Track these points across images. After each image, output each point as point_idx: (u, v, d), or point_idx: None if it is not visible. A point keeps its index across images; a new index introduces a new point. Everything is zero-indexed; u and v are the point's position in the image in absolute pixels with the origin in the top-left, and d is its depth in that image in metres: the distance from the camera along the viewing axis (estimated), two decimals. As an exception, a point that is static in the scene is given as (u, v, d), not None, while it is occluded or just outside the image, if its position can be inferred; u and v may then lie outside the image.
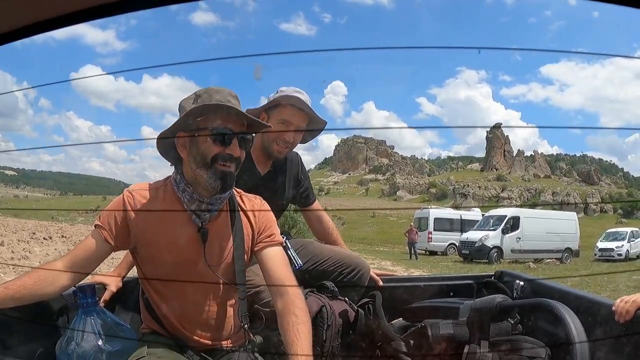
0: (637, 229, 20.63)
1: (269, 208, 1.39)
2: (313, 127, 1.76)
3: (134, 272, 1.50)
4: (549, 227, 19.07)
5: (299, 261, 1.65)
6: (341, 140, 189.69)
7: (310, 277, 1.70)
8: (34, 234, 19.09)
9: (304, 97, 1.68)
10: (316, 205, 1.99)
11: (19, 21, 0.56)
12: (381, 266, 13.64)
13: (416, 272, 12.16)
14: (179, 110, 1.25)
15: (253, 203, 1.37)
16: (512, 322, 1.49)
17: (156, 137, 1.28)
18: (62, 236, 18.86)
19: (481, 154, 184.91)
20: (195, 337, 1.29)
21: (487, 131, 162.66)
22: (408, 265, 15.33)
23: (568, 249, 19.35)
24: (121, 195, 1.28)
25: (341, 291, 1.69)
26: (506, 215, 19.75)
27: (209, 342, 1.31)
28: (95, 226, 1.24)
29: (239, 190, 1.37)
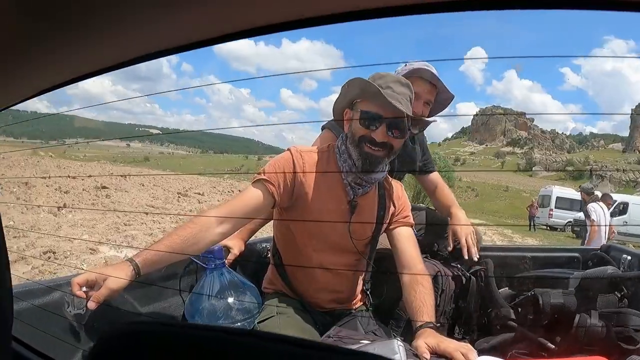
0: None
1: (406, 194, 1.47)
2: (441, 99, 1.74)
3: (252, 239, 1.63)
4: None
5: None
6: (480, 110, 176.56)
7: (423, 244, 1.66)
8: (214, 187, 21.97)
9: (432, 69, 1.65)
10: (436, 175, 1.98)
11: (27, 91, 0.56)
12: (502, 233, 16.13)
13: (530, 240, 13.94)
14: (350, 88, 1.29)
15: (397, 187, 1.44)
16: (619, 295, 1.47)
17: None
18: (232, 190, 20.54)
19: (625, 132, 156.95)
20: (321, 299, 1.36)
21: (632, 109, 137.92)
22: (525, 234, 17.42)
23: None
24: (287, 153, 1.29)
25: (452, 258, 1.73)
26: (616, 200, 19.77)
27: (334, 306, 1.37)
28: (260, 180, 1.23)
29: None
